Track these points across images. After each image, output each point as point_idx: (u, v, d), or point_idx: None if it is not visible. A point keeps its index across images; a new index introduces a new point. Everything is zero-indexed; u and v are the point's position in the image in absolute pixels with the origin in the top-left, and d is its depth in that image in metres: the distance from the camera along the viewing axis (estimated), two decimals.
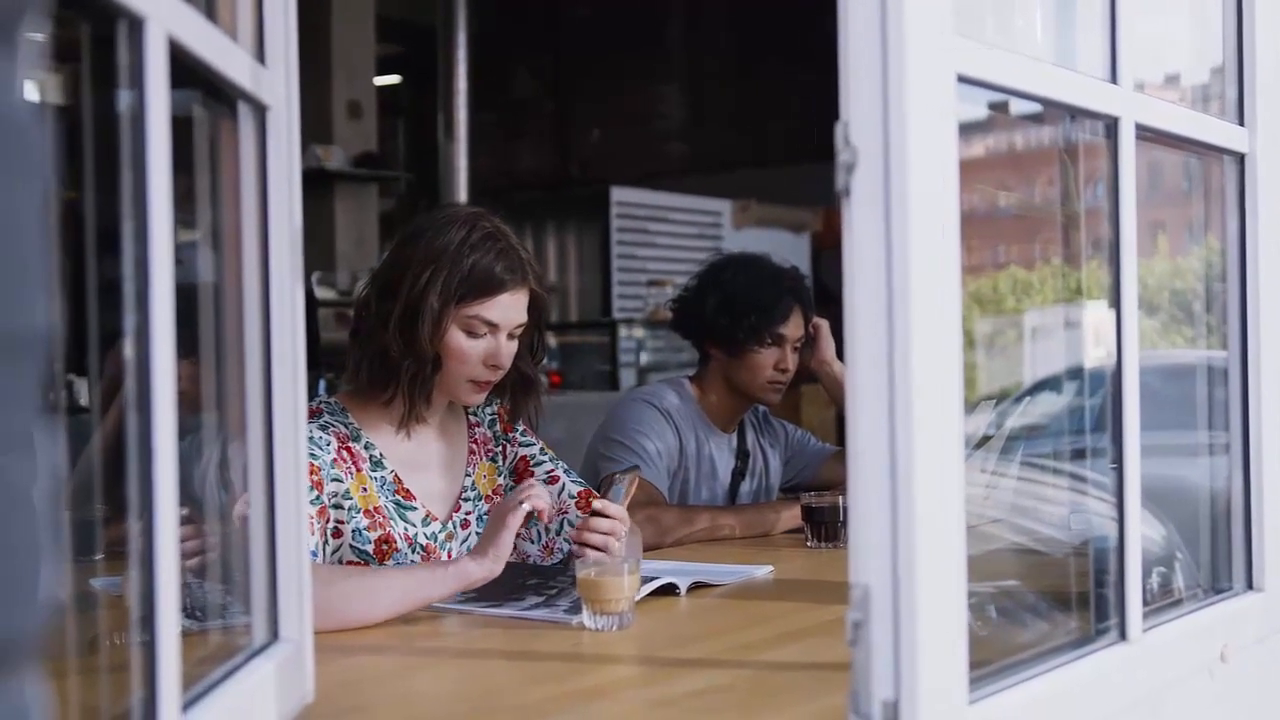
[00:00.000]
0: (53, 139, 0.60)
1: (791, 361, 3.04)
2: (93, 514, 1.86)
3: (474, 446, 2.41)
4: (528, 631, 1.87)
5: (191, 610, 1.35)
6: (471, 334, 2.22)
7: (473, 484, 2.37)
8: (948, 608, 1.21)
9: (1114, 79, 1.53)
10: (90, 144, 1.10)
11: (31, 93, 0.59)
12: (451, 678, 1.71)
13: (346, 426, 2.24)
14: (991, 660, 1.35)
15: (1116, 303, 1.54)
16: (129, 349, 1.01)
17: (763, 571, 2.37)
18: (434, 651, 1.82)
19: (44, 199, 0.59)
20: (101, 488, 1.81)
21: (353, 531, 2.17)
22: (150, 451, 1.01)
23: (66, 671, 1.15)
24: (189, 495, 1.16)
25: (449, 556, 2.27)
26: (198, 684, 1.18)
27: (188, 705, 1.10)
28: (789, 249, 6.66)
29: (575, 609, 1.93)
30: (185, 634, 1.09)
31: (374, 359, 2.22)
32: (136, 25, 1.00)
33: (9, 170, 0.56)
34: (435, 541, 2.27)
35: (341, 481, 2.17)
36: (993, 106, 1.50)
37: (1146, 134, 1.59)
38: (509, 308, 2.23)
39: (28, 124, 0.57)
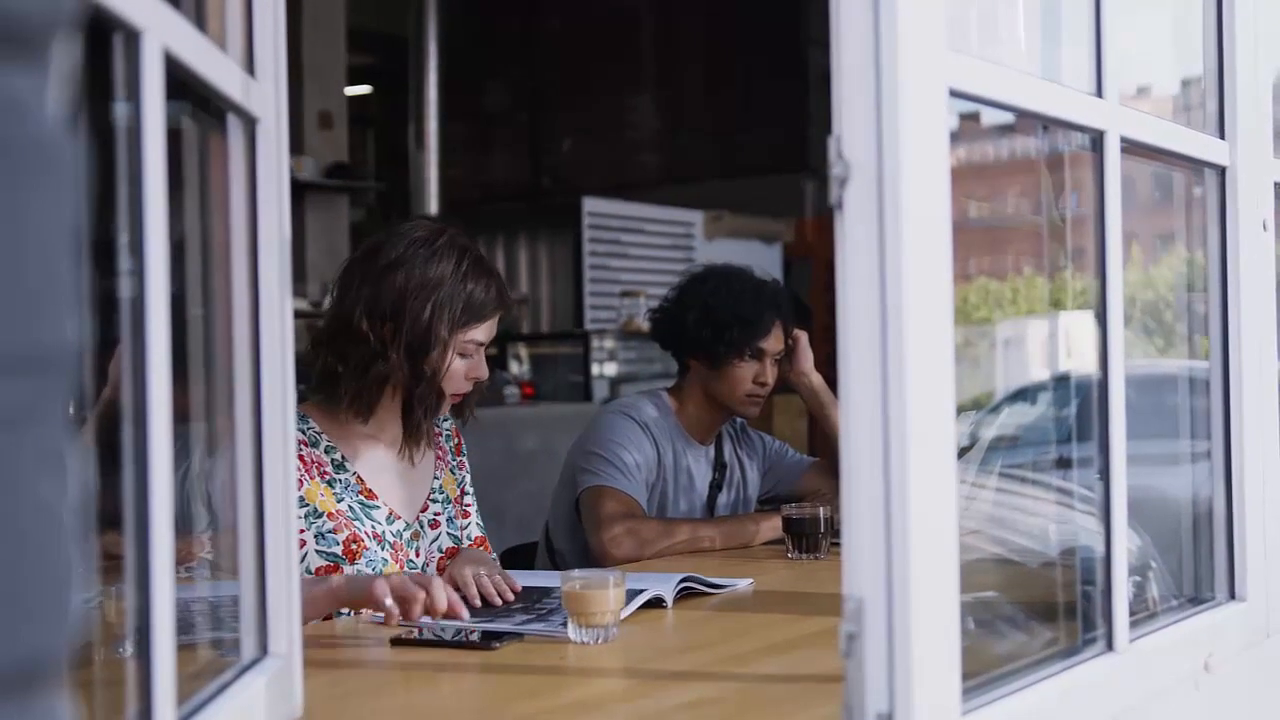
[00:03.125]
0: (82, 155, 0.60)
1: (771, 375, 3.04)
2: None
3: (440, 452, 2.48)
4: (514, 646, 1.87)
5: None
6: (463, 355, 2.31)
7: (440, 486, 2.45)
8: (942, 619, 1.21)
9: (1099, 93, 1.54)
10: (82, 154, 1.09)
11: (62, 108, 0.59)
12: (439, 693, 1.70)
13: (304, 432, 2.26)
14: (982, 671, 1.35)
15: (1102, 314, 1.55)
16: (125, 362, 1.01)
17: (745, 584, 2.37)
18: (421, 666, 1.81)
19: (75, 216, 0.59)
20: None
21: (316, 536, 2.22)
22: (145, 466, 1.01)
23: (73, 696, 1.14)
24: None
25: (417, 555, 2.35)
26: (189, 699, 1.17)
27: None
28: (761, 260, 6.67)
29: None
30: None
31: (375, 385, 2.27)
32: (133, 38, 0.99)
33: (44, 188, 0.56)
34: (401, 539, 2.33)
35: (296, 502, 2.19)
36: (964, 117, 1.51)
37: (1130, 147, 1.60)
38: (494, 326, 2.35)
39: (61, 142, 0.58)
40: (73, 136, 0.59)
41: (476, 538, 2.47)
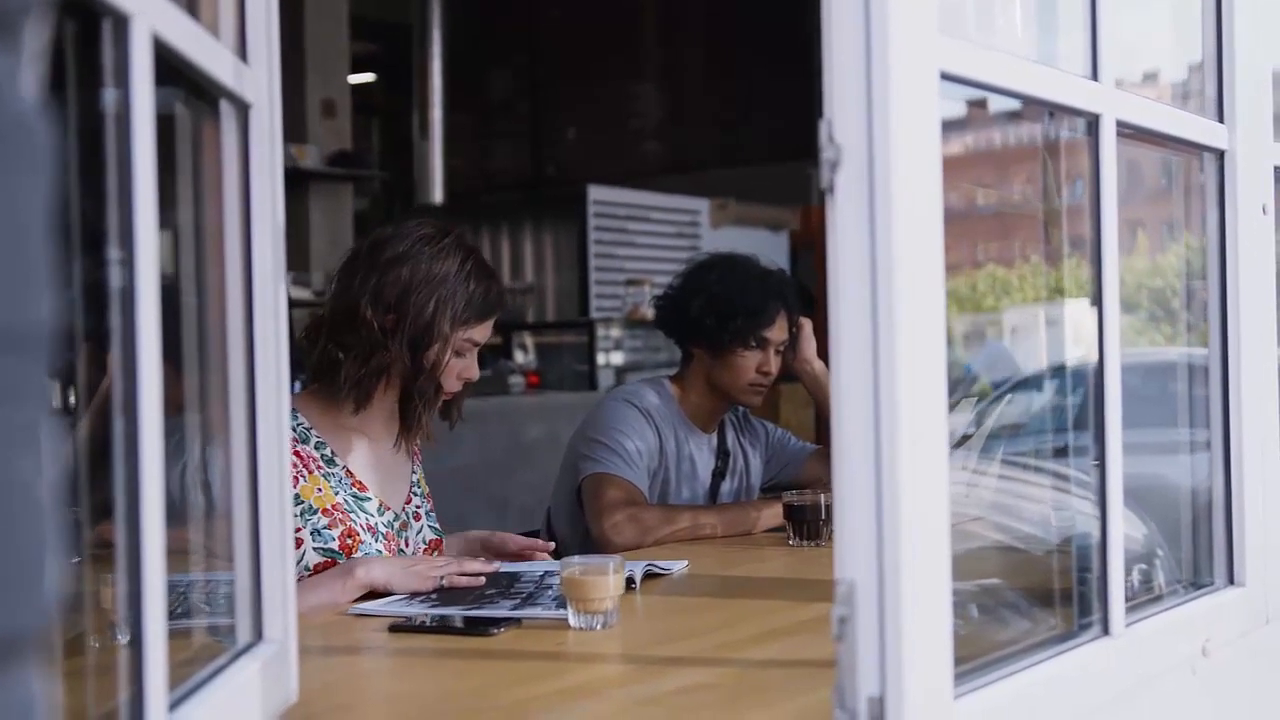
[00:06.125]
0: (54, 136, 0.60)
1: (774, 364, 3.04)
2: (72, 515, 1.85)
3: (415, 449, 2.50)
4: (512, 631, 1.87)
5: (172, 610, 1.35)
6: (458, 354, 2.34)
7: (418, 481, 2.49)
8: (933, 602, 1.21)
9: (1095, 76, 1.53)
10: (70, 142, 1.10)
11: (35, 89, 0.59)
12: (436, 678, 1.71)
13: (294, 429, 2.27)
14: (976, 656, 1.36)
15: (1098, 300, 1.54)
16: (115, 351, 1.01)
17: (678, 566, 2.38)
18: (417, 652, 1.82)
19: (48, 196, 0.59)
20: (80, 489, 1.80)
21: (312, 533, 2.24)
22: (136, 453, 1.01)
23: (49, 672, 1.14)
24: (168, 496, 1.15)
25: (406, 545, 2.39)
26: (183, 684, 1.18)
27: (174, 705, 1.10)
28: (767, 248, 6.66)
29: (563, 603, 1.92)
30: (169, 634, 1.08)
31: (374, 374, 2.30)
32: (121, 23, 0.99)
33: (16, 167, 0.56)
34: (392, 530, 2.36)
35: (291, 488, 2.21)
36: (971, 103, 1.51)
37: (1127, 131, 1.59)
38: (490, 328, 2.39)
39: (33, 121, 0.58)
40: (46, 118, 0.59)
41: (431, 540, 2.48)
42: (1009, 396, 2.52)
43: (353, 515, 2.28)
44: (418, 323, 2.27)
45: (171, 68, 1.14)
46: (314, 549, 2.23)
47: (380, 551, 2.29)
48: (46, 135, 0.59)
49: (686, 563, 2.42)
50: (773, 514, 2.84)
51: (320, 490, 2.27)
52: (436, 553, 2.44)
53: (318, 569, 2.21)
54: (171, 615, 1.15)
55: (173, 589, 1.27)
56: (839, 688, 1.19)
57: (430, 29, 8.33)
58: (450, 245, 2.33)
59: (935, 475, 1.22)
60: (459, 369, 2.35)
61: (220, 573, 1.46)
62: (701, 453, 3.12)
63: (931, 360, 1.21)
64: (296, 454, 2.25)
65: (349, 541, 2.26)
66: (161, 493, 1.04)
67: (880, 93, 1.17)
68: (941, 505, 1.22)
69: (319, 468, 2.28)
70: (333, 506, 2.26)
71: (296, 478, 2.23)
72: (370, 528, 2.30)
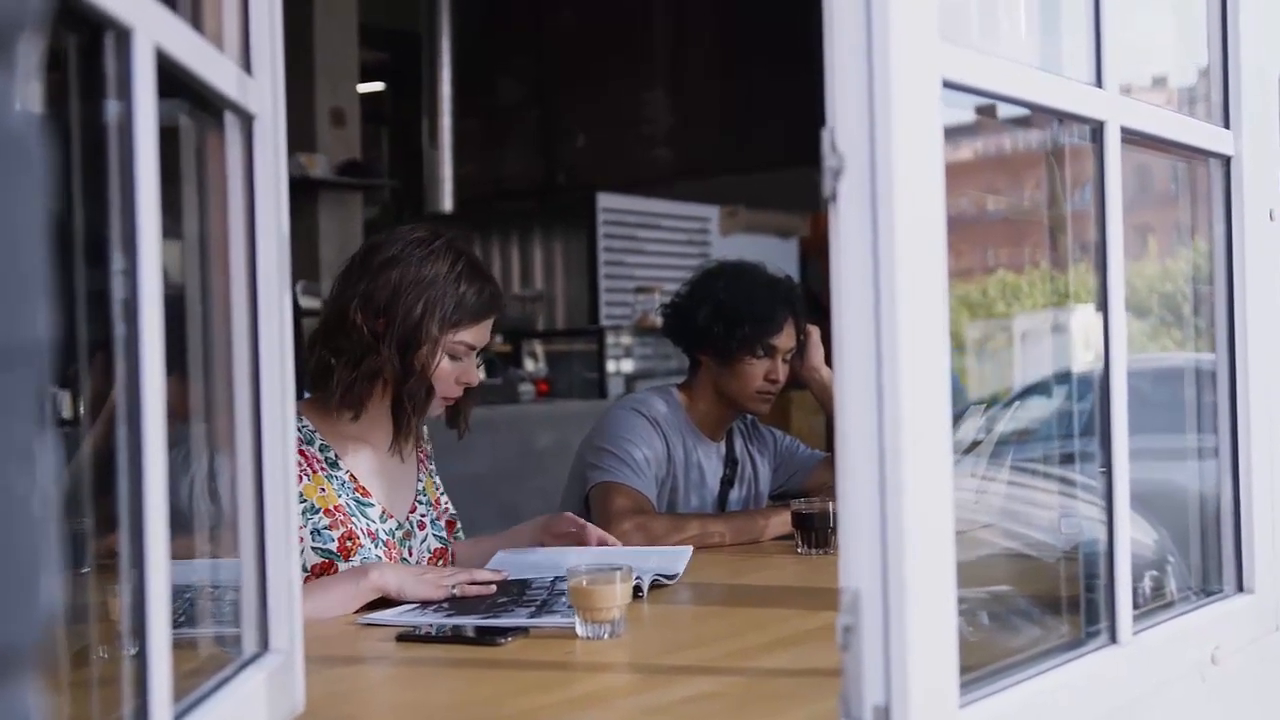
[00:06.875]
0: (49, 150, 0.60)
1: (782, 372, 3.04)
2: (80, 526, 1.85)
3: (421, 457, 2.51)
4: (520, 641, 1.87)
5: (178, 620, 1.35)
6: (453, 357, 2.34)
7: (423, 489, 2.48)
8: (938, 611, 1.21)
9: (1099, 83, 1.53)
10: (75, 154, 1.10)
11: (29, 104, 0.59)
12: (443, 687, 1.71)
13: (299, 431, 2.28)
14: (983, 664, 1.35)
15: (1104, 306, 1.54)
16: (118, 361, 1.01)
17: (684, 559, 2.39)
18: (425, 662, 1.81)
19: (43, 210, 0.59)
20: (89, 500, 1.81)
21: (313, 533, 2.24)
22: (140, 463, 1.01)
23: (57, 684, 1.15)
24: (176, 508, 1.15)
25: (409, 554, 2.39)
26: (188, 695, 1.18)
27: (179, 716, 1.10)
28: (777, 255, 6.66)
29: (573, 612, 1.92)
30: (174, 644, 1.08)
31: (366, 379, 2.30)
32: (124, 36, 1.00)
33: (13, 185, 0.56)
34: (394, 538, 2.36)
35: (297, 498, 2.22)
36: (979, 110, 1.51)
37: (1132, 137, 1.59)
38: (487, 331, 2.38)
39: (27, 136, 0.58)
40: (41, 133, 0.60)
41: (436, 549, 2.48)
42: (1018, 402, 2.51)
43: (354, 519, 2.29)
44: (406, 324, 2.27)
45: (175, 80, 1.14)
46: (313, 548, 2.23)
47: (379, 558, 2.29)
48: (42, 150, 0.59)
49: (690, 549, 2.43)
50: (781, 522, 2.84)
51: (323, 490, 2.28)
52: (441, 562, 2.44)
53: (315, 570, 2.22)
54: (176, 624, 1.15)
55: (178, 595, 1.28)
56: (844, 696, 1.19)
57: (439, 37, 8.34)
58: (440, 248, 2.33)
59: (939, 482, 1.22)
60: (456, 373, 2.34)
61: (224, 572, 1.46)
62: (710, 461, 3.12)
63: (934, 367, 1.21)
64: (301, 454, 2.26)
65: (348, 544, 2.26)
66: (165, 503, 1.04)
67: (882, 101, 1.17)
68: (946, 512, 1.22)
69: (322, 469, 2.29)
70: (335, 508, 2.27)
71: (300, 476, 2.23)
72: (370, 533, 2.30)
